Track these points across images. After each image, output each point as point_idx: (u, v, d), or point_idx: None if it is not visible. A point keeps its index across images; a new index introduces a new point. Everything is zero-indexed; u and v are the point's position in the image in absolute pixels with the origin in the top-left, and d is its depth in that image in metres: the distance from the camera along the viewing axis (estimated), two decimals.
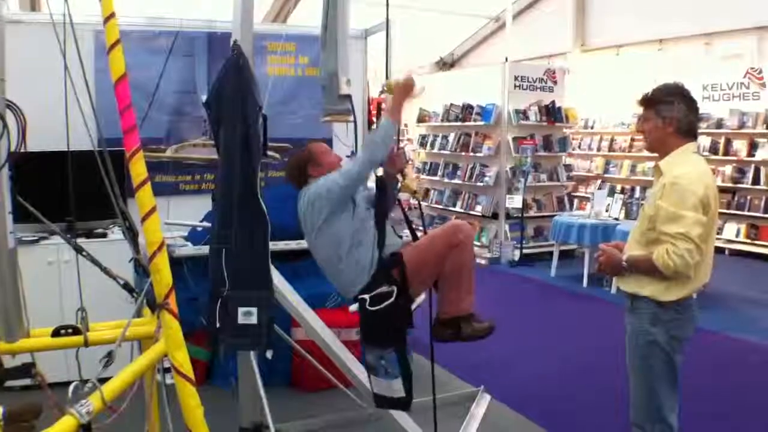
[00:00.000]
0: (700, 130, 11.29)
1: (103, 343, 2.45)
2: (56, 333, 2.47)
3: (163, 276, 2.20)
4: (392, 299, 3.33)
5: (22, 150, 2.55)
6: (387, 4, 3.83)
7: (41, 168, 4.37)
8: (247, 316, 3.29)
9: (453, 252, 3.50)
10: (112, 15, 2.20)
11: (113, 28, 2.19)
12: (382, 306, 3.33)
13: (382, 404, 3.60)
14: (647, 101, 3.25)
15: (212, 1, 12.06)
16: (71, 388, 1.80)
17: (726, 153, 11.63)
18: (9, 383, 2.37)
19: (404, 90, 3.56)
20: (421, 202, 4.40)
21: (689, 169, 3.07)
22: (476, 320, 3.64)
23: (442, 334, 3.68)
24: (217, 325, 3.28)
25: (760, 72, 11.39)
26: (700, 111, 10.58)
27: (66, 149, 2.82)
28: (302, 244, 5.17)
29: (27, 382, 2.43)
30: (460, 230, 3.57)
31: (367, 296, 3.37)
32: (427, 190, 12.40)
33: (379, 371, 3.46)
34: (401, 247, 3.65)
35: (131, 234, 2.74)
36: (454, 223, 3.69)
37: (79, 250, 2.64)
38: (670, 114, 3.14)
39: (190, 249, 4.99)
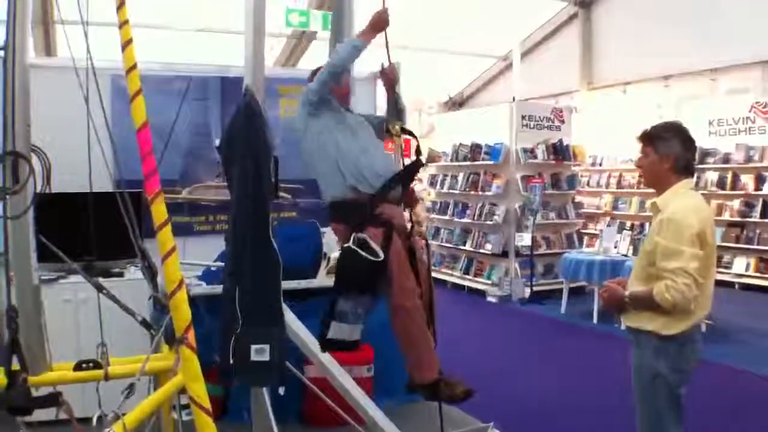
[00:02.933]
0: (707, 166, 11.46)
1: (123, 376, 2.54)
2: (78, 367, 2.56)
3: (182, 312, 2.30)
4: (379, 259, 3.47)
5: (47, 191, 2.67)
6: (387, 46, 3.97)
7: (59, 208, 4.49)
8: (260, 353, 3.37)
9: (397, 318, 3.65)
10: (134, 66, 2.33)
11: (135, 78, 2.33)
12: (376, 259, 3.46)
13: (331, 348, 3.73)
14: (646, 137, 3.35)
15: (225, 46, 12.36)
16: (95, 417, 1.89)
17: (733, 187, 11.70)
18: (28, 419, 2.45)
19: (375, 21, 3.79)
20: (428, 242, 4.53)
21: (685, 204, 3.16)
22: (451, 384, 3.73)
23: (424, 395, 3.85)
24: (230, 362, 3.37)
25: (766, 106, 11.49)
26: (707, 146, 10.61)
27: (83, 190, 2.94)
28: (312, 282, 5.29)
29: (44, 417, 2.51)
30: (408, 298, 3.67)
31: (354, 243, 3.50)
32: (438, 229, 12.48)
33: (349, 318, 3.55)
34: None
35: (150, 273, 2.85)
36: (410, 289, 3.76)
37: (99, 288, 2.75)
38: (668, 151, 3.24)
39: (204, 288, 5.07)
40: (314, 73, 3.99)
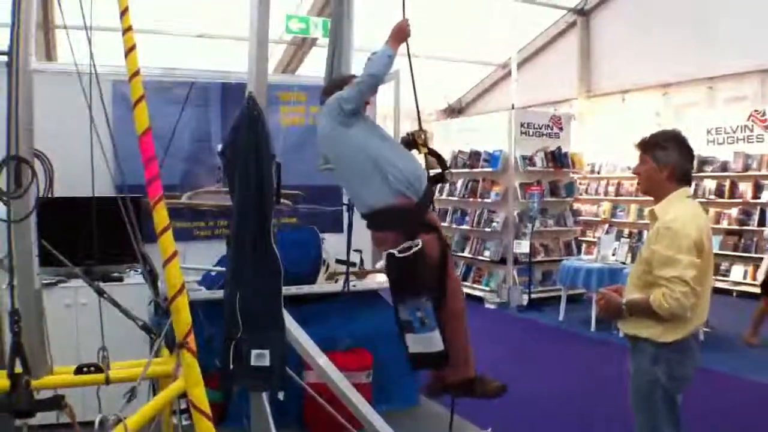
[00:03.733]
0: (705, 174, 11.47)
1: (123, 381, 2.55)
2: (79, 370, 2.57)
3: (183, 316, 2.32)
4: (419, 247, 3.45)
5: (49, 196, 2.69)
6: (409, 56, 3.98)
7: (60, 213, 4.51)
8: (260, 358, 3.38)
9: (450, 321, 3.63)
10: (137, 72, 2.35)
11: (138, 84, 2.34)
12: (410, 253, 3.44)
13: (420, 365, 3.67)
14: (645, 145, 3.36)
15: (225, 53, 12.35)
16: (97, 420, 1.90)
17: (732, 195, 11.73)
18: (30, 422, 2.46)
19: (399, 30, 3.78)
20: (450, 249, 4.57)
21: (682, 213, 3.16)
22: (485, 380, 3.78)
23: (455, 393, 3.85)
24: (231, 366, 3.38)
25: (764, 114, 11.52)
26: (706, 154, 10.58)
27: (81, 195, 2.95)
28: (313, 288, 5.31)
29: (44, 421, 2.52)
30: (459, 299, 3.74)
31: (395, 251, 3.47)
32: None
33: (416, 325, 3.50)
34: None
35: (151, 277, 2.86)
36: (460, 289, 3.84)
37: (100, 293, 2.76)
38: (666, 160, 3.25)
39: (203, 293, 5.08)
40: (334, 84, 4.01)
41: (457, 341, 3.70)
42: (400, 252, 3.46)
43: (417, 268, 3.47)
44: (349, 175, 3.82)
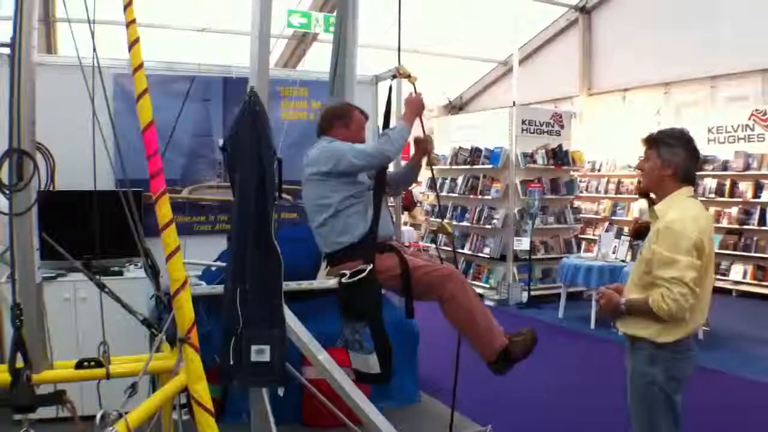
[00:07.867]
0: (706, 173, 11.45)
1: (124, 375, 2.54)
2: (79, 365, 2.56)
3: (185, 311, 2.31)
4: (364, 275, 3.62)
5: (51, 189, 2.67)
6: (398, 49, 3.97)
7: (59, 206, 4.49)
8: (260, 353, 3.37)
9: (451, 307, 3.69)
10: (140, 65, 2.34)
11: (141, 77, 2.33)
12: (355, 279, 3.64)
13: (361, 379, 3.78)
14: (651, 141, 3.33)
15: (227, 47, 12.32)
16: (98, 415, 1.89)
17: (732, 195, 11.73)
18: (18, 416, 2.45)
19: (413, 106, 3.96)
20: (455, 244, 4.75)
21: (683, 213, 3.14)
22: (514, 342, 3.82)
23: (501, 369, 3.89)
24: (231, 362, 3.37)
25: (765, 114, 11.51)
26: (706, 153, 10.54)
27: (82, 188, 2.93)
28: (313, 284, 5.28)
29: (44, 415, 2.51)
30: (451, 281, 3.74)
31: (348, 272, 3.68)
32: (435, 232, 12.46)
33: (354, 346, 3.68)
34: (390, 236, 4.05)
35: (153, 272, 2.85)
36: (447, 274, 3.84)
37: (102, 287, 2.75)
38: (671, 158, 3.23)
39: (204, 288, 5.05)
40: (333, 114, 4.19)
41: (473, 330, 3.76)
42: (349, 277, 3.66)
43: (357, 295, 3.65)
44: (311, 211, 4.11)
